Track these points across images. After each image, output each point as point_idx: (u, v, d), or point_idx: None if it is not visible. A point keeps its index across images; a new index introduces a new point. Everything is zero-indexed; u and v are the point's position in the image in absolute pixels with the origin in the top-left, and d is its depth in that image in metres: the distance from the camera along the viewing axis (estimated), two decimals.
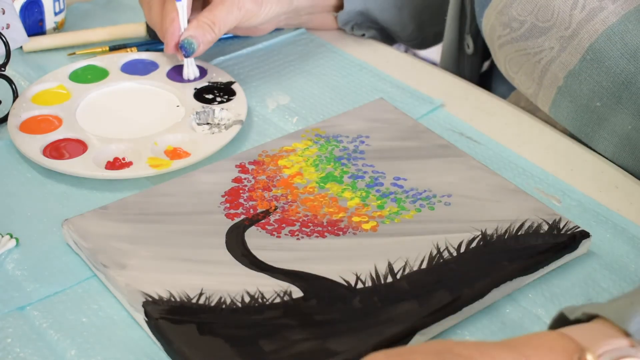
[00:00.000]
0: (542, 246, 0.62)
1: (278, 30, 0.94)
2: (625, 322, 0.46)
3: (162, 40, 0.80)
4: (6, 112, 0.78)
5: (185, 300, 0.57)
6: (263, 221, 0.64)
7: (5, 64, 0.78)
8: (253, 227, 0.64)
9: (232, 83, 0.82)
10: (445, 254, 0.61)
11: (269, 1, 0.82)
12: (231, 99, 0.80)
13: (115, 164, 0.72)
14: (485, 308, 0.60)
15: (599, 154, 0.76)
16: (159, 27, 0.80)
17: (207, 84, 0.82)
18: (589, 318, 0.48)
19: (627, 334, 0.46)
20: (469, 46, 0.89)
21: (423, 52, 0.92)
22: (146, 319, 0.56)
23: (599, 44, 0.71)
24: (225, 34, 0.81)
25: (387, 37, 0.96)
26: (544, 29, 0.74)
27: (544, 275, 0.62)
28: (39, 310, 0.59)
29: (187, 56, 0.78)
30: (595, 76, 0.72)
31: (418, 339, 0.56)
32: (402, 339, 0.55)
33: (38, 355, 0.56)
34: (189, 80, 0.81)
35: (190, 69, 0.80)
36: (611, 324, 0.46)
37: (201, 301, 0.57)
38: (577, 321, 0.48)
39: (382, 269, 0.60)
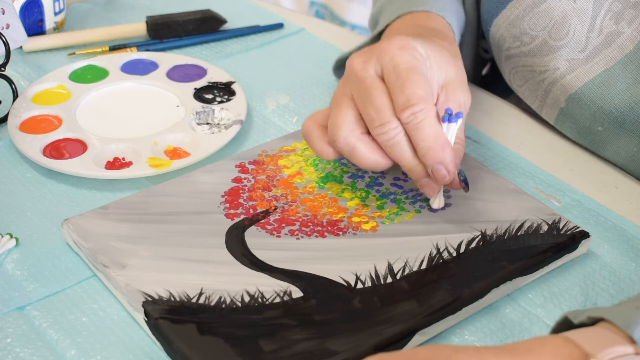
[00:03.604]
0: (541, 246, 0.62)
1: (278, 29, 0.94)
2: (630, 327, 0.45)
3: (431, 173, 0.62)
4: (6, 112, 0.78)
5: (185, 300, 0.57)
6: (263, 221, 0.64)
7: (5, 64, 0.78)
8: (253, 227, 0.64)
9: (232, 83, 0.82)
10: (445, 254, 0.61)
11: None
12: (231, 99, 0.80)
13: (115, 163, 0.72)
14: (484, 308, 0.60)
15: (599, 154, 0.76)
16: (413, 163, 0.62)
17: (207, 84, 0.82)
18: (593, 322, 0.48)
19: (632, 340, 0.45)
20: (488, 51, 0.88)
21: None
22: (146, 319, 0.56)
23: (615, 70, 0.70)
24: None
25: None
26: (554, 47, 0.73)
27: (544, 275, 0.62)
28: (38, 310, 0.59)
29: (468, 188, 0.65)
30: (597, 100, 0.71)
31: (418, 339, 0.56)
32: (401, 339, 0.55)
33: (38, 355, 0.56)
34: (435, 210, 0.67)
35: (442, 196, 0.66)
36: (616, 328, 0.46)
37: (201, 301, 0.57)
38: (581, 325, 0.48)
39: (382, 269, 0.60)
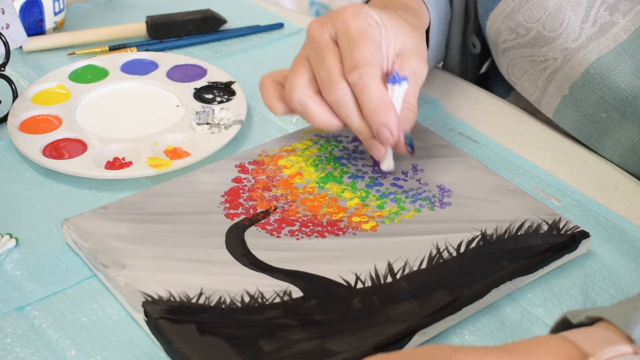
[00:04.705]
0: (541, 246, 0.62)
1: (278, 29, 0.94)
2: (629, 327, 0.45)
3: (376, 134, 0.65)
4: (6, 112, 0.78)
5: (185, 300, 0.57)
6: (263, 221, 0.64)
7: (5, 64, 0.78)
8: (253, 227, 0.64)
9: (232, 83, 0.82)
10: (445, 254, 0.61)
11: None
12: (231, 99, 0.80)
13: (115, 163, 0.72)
14: (484, 308, 0.60)
15: (600, 154, 0.76)
16: (359, 124, 0.65)
17: (207, 84, 0.82)
18: (592, 322, 0.48)
19: (630, 340, 0.45)
20: (475, 46, 0.88)
21: None
22: (146, 319, 0.56)
23: (608, 58, 0.70)
24: None
25: None
26: (549, 38, 0.73)
27: (544, 275, 0.62)
28: (38, 310, 0.59)
29: (413, 152, 0.67)
30: (597, 90, 0.71)
31: (418, 338, 0.56)
32: (401, 339, 0.55)
33: (38, 355, 0.56)
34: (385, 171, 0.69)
35: (391, 160, 0.68)
36: (615, 328, 0.46)
37: (201, 301, 0.57)
38: (580, 325, 0.48)
39: (382, 269, 0.60)
